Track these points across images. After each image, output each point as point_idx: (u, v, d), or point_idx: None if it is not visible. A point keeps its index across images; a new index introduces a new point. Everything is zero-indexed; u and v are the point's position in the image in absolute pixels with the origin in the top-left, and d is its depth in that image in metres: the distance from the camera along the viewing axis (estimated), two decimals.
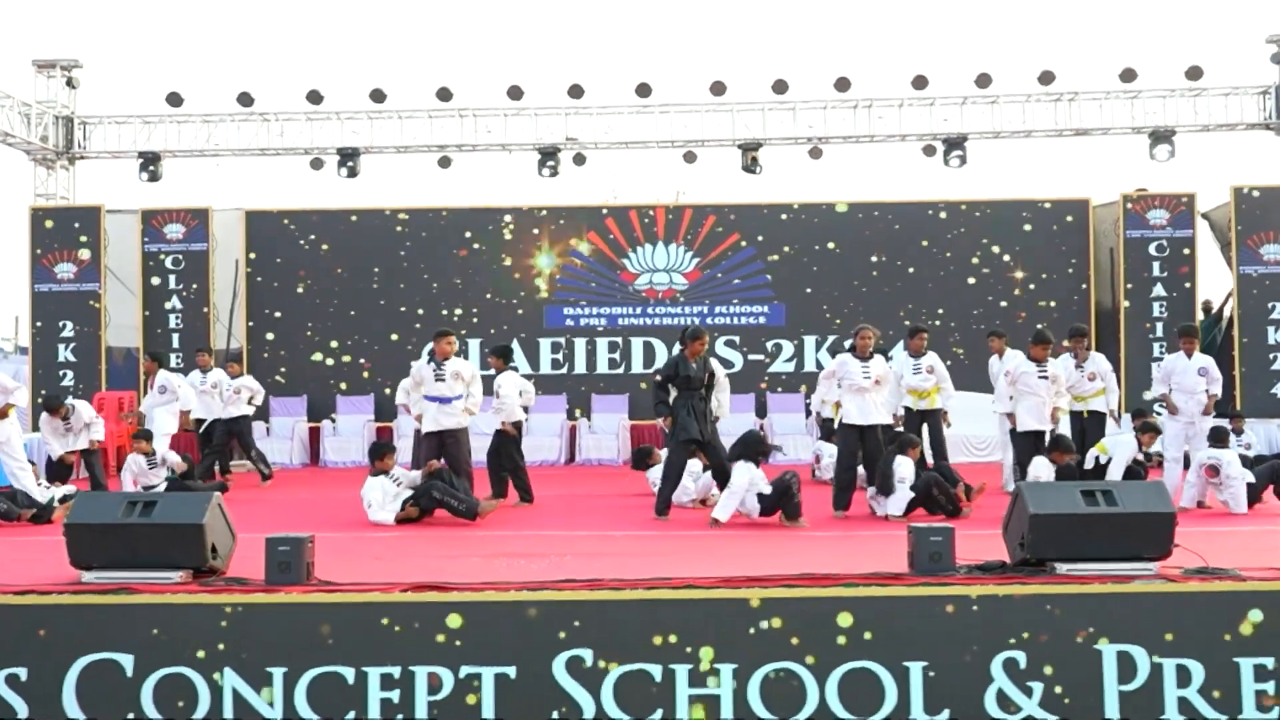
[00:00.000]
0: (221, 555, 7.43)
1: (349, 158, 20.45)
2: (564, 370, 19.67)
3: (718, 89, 20.03)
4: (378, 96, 20.26)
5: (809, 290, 19.62)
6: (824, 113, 20.23)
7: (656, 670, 6.43)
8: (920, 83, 19.73)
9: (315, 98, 20.31)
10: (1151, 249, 18.96)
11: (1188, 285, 18.91)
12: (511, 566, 8.26)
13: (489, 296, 19.72)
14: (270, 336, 19.78)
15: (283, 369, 19.73)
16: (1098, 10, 38.67)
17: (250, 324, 19.80)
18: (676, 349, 11.92)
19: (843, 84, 19.83)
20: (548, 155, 20.29)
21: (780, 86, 19.94)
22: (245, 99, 20.33)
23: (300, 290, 19.84)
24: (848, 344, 12.34)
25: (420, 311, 19.68)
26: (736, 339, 19.47)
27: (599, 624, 6.51)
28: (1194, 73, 19.30)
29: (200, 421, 15.67)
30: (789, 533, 10.37)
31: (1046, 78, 19.54)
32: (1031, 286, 19.35)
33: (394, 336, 19.73)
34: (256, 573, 7.14)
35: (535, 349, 19.62)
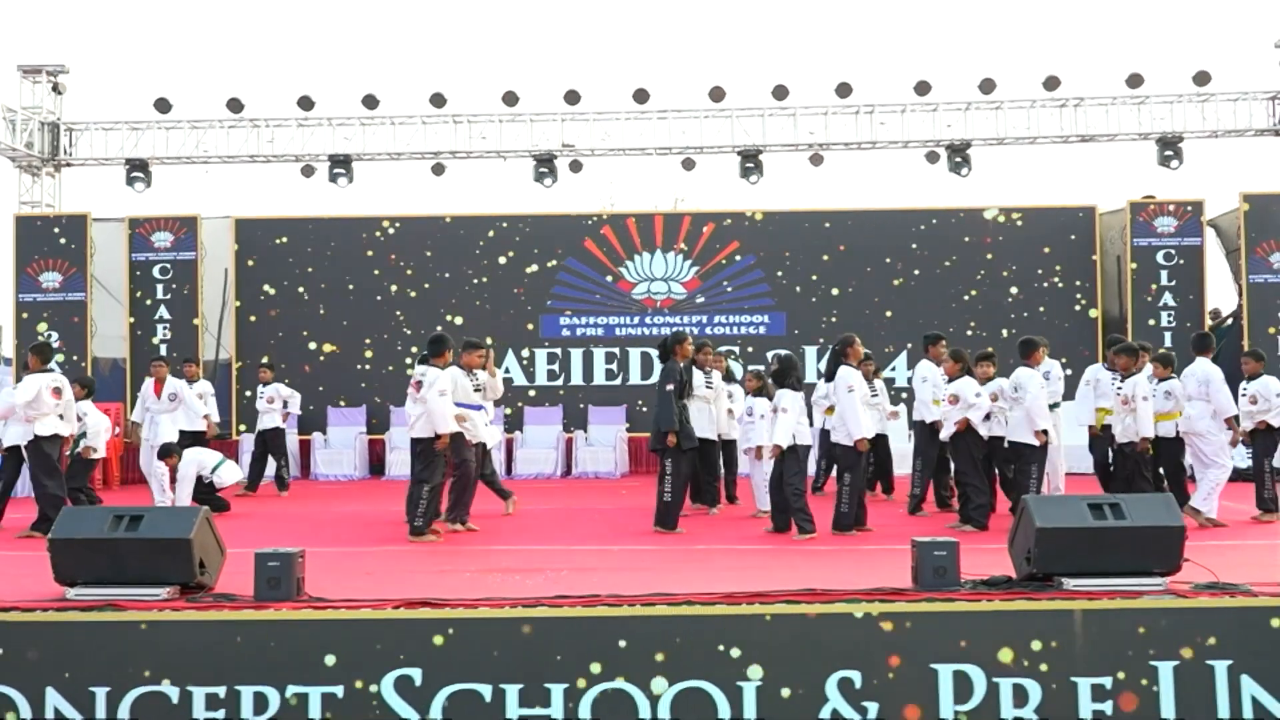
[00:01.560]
0: (210, 571, 7.24)
1: (341, 165, 20.12)
2: (560, 381, 19.33)
3: (717, 95, 19.75)
4: (370, 103, 19.95)
5: (810, 299, 19.33)
6: (825, 119, 19.95)
7: (657, 687, 6.20)
8: (923, 88, 19.50)
9: (306, 104, 20.01)
10: (1159, 257, 18.72)
11: (1193, 295, 18.64)
12: (506, 582, 8.08)
13: (483, 305, 19.39)
14: (260, 347, 19.43)
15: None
16: (1103, 15, 38.52)
17: (240, 334, 19.45)
18: (654, 356, 11.69)
19: (844, 89, 19.57)
20: (544, 162, 19.98)
21: (780, 92, 19.67)
22: (235, 105, 20.01)
23: (291, 300, 19.53)
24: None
25: (414, 321, 19.38)
26: (736, 349, 19.13)
27: (595, 641, 6.28)
28: (1201, 78, 19.07)
29: (185, 433, 15.18)
30: (791, 548, 10.11)
31: (1051, 83, 19.31)
32: (1037, 294, 19.08)
33: (385, 347, 19.40)
34: (246, 588, 6.94)
35: (531, 359, 19.28)
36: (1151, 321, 18.64)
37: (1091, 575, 6.79)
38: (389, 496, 15.47)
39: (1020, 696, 6.12)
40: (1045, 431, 11.44)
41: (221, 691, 6.20)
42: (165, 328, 19.30)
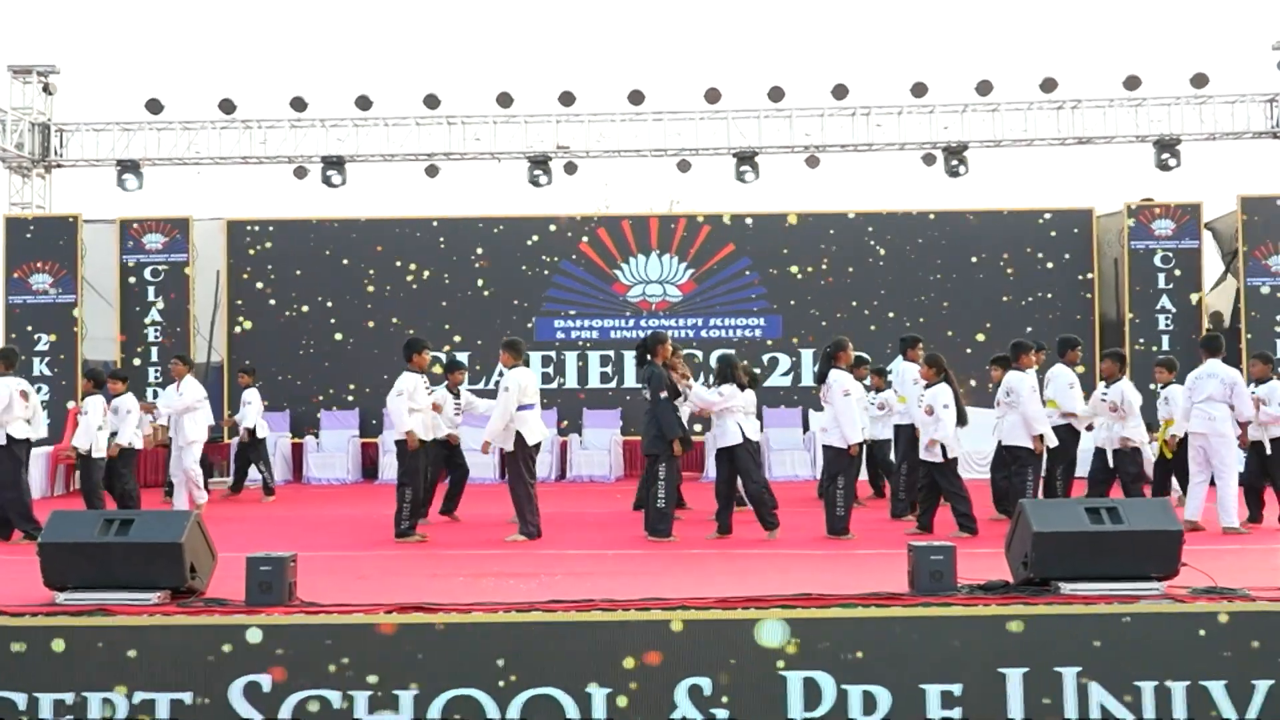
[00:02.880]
0: (201, 575, 7.20)
1: (334, 166, 19.98)
2: (554, 384, 19.21)
3: (712, 96, 19.65)
4: (363, 104, 19.83)
5: (806, 302, 19.24)
6: (821, 120, 19.85)
7: (649, 692, 6.14)
8: (920, 90, 19.41)
9: (299, 105, 19.88)
10: (1157, 260, 18.65)
11: (1192, 298, 18.57)
12: (500, 586, 8.05)
13: (477, 308, 19.28)
14: (252, 349, 19.29)
15: (265, 383, 19.22)
16: (1100, 16, 38.51)
17: (231, 336, 19.32)
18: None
19: (840, 91, 19.48)
20: (538, 164, 19.86)
21: (776, 94, 19.57)
22: (227, 106, 19.87)
23: (283, 302, 19.40)
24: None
25: (407, 324, 19.23)
26: (732, 352, 18.98)
27: (589, 646, 6.22)
28: (1199, 80, 19.01)
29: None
30: (787, 552, 10.07)
31: (1049, 85, 19.23)
32: (1034, 298, 19.02)
33: (379, 350, 19.27)
34: (237, 593, 6.89)
35: (525, 362, 19.10)
36: (1149, 325, 18.55)
37: (1089, 579, 6.77)
38: (382, 500, 15.34)
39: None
40: (1042, 437, 11.37)
41: (211, 696, 6.10)
42: (157, 330, 19.17)
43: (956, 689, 6.09)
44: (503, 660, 6.16)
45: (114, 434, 12.55)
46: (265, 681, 6.12)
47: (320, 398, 19.27)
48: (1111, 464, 11.69)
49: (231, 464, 17.22)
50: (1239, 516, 11.19)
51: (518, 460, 11.11)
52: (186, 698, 6.11)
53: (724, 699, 6.11)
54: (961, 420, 11.23)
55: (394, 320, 19.29)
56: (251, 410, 15.94)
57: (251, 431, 15.93)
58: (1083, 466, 12.39)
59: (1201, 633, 6.21)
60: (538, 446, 11.34)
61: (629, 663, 6.16)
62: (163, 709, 6.09)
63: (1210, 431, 11.19)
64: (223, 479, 16.68)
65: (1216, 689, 6.09)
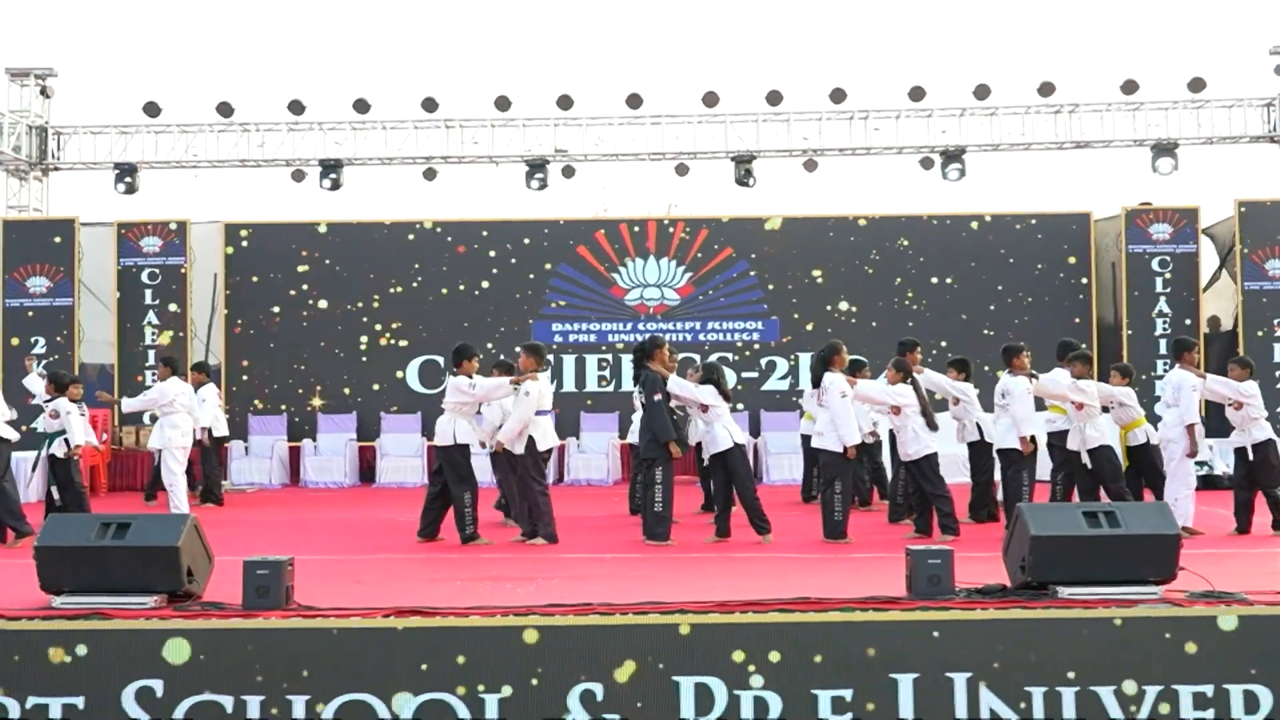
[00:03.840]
0: (198, 579, 7.18)
1: (331, 169, 19.96)
2: (552, 387, 19.10)
3: (710, 100, 19.65)
4: (361, 107, 19.81)
5: (804, 305, 19.23)
6: (819, 124, 19.84)
7: (648, 696, 6.12)
8: (917, 94, 19.41)
9: (297, 108, 19.86)
10: (1154, 264, 18.65)
11: (1190, 301, 18.58)
12: (498, 590, 8.03)
13: (475, 311, 19.26)
14: (249, 353, 19.28)
15: (262, 386, 19.24)
16: (1098, 21, 38.52)
17: (229, 340, 19.30)
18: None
19: (838, 95, 19.47)
20: (536, 167, 19.84)
21: (774, 97, 19.56)
22: (225, 109, 19.85)
23: (281, 305, 19.38)
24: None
25: (405, 327, 19.25)
26: (730, 356, 19.01)
27: (587, 650, 6.21)
28: (1196, 84, 19.01)
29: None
30: (784, 556, 10.06)
31: (1046, 89, 19.24)
32: (1031, 301, 19.02)
33: (377, 353, 19.28)
34: (234, 597, 6.88)
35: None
36: (1146, 329, 18.55)
37: (1086, 583, 6.77)
38: (379, 504, 15.39)
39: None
40: (1033, 439, 11.37)
41: (207, 700, 6.09)
42: (154, 333, 19.14)
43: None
44: (500, 663, 6.14)
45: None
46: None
47: (318, 401, 19.24)
48: (1089, 465, 11.62)
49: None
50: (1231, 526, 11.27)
51: (528, 465, 11.08)
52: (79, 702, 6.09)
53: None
54: (931, 425, 11.26)
55: (392, 324, 19.29)
56: (207, 409, 15.39)
57: (209, 431, 15.45)
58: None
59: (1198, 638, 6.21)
60: (548, 453, 11.31)
61: (630, 666, 6.15)
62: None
63: (1161, 436, 11.47)
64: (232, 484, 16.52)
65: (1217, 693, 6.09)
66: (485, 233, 19.51)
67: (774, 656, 6.14)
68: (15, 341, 18.75)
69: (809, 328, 19.12)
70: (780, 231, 19.40)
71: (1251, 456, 11.33)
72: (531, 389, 11.02)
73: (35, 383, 14.92)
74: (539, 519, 10.98)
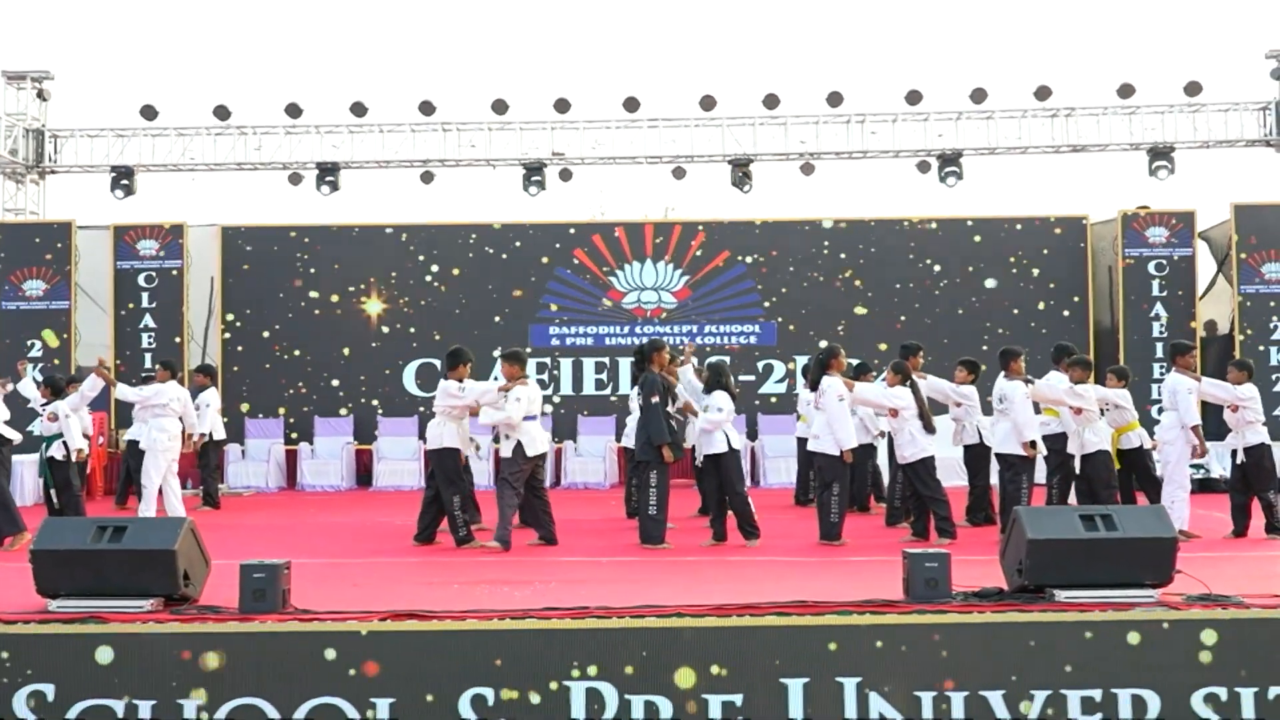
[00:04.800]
0: (194, 582, 7.16)
1: (328, 172, 19.97)
2: (549, 391, 19.17)
3: (707, 103, 19.67)
4: (358, 110, 19.81)
5: (801, 309, 19.24)
6: (816, 128, 19.87)
7: (643, 700, 6.14)
8: (914, 98, 19.43)
9: (294, 111, 19.86)
10: (1151, 267, 18.66)
11: (1187, 305, 18.60)
12: (494, 594, 8.00)
13: (472, 314, 19.25)
14: (246, 356, 19.26)
15: (259, 390, 19.23)
16: (1095, 25, 38.52)
17: (225, 343, 19.29)
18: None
19: (835, 99, 19.50)
20: (533, 170, 19.85)
21: (771, 101, 19.58)
22: (222, 112, 19.85)
23: (277, 308, 19.36)
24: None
25: (401, 330, 19.24)
26: (727, 359, 18.92)
27: (585, 652, 6.21)
28: (1193, 88, 19.05)
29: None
30: (780, 559, 10.06)
31: (1043, 93, 19.27)
32: (1028, 305, 19.03)
33: (374, 357, 19.26)
34: (231, 600, 6.86)
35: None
36: (1143, 332, 18.56)
37: (1083, 587, 6.77)
38: (376, 507, 15.36)
39: None
40: (1034, 443, 11.36)
41: (205, 703, 6.09)
42: (150, 337, 19.12)
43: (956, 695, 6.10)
44: (497, 665, 6.14)
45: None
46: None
47: (314, 405, 19.22)
48: (1079, 470, 11.62)
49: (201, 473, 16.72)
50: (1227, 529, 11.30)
51: (507, 468, 11.06)
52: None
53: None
54: (929, 429, 11.26)
55: (386, 326, 19.28)
56: (210, 414, 15.35)
57: (210, 435, 15.41)
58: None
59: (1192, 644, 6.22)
60: (541, 458, 11.28)
61: (627, 669, 6.15)
62: None
63: (1158, 439, 11.53)
64: (196, 490, 16.37)
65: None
66: (482, 236, 19.51)
67: (769, 659, 6.14)
68: (11, 343, 18.69)
69: (806, 332, 19.10)
70: (777, 235, 19.39)
71: (1244, 459, 11.35)
72: (521, 394, 11.01)
73: (29, 387, 14.85)
74: (500, 520, 10.85)
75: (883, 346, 18.43)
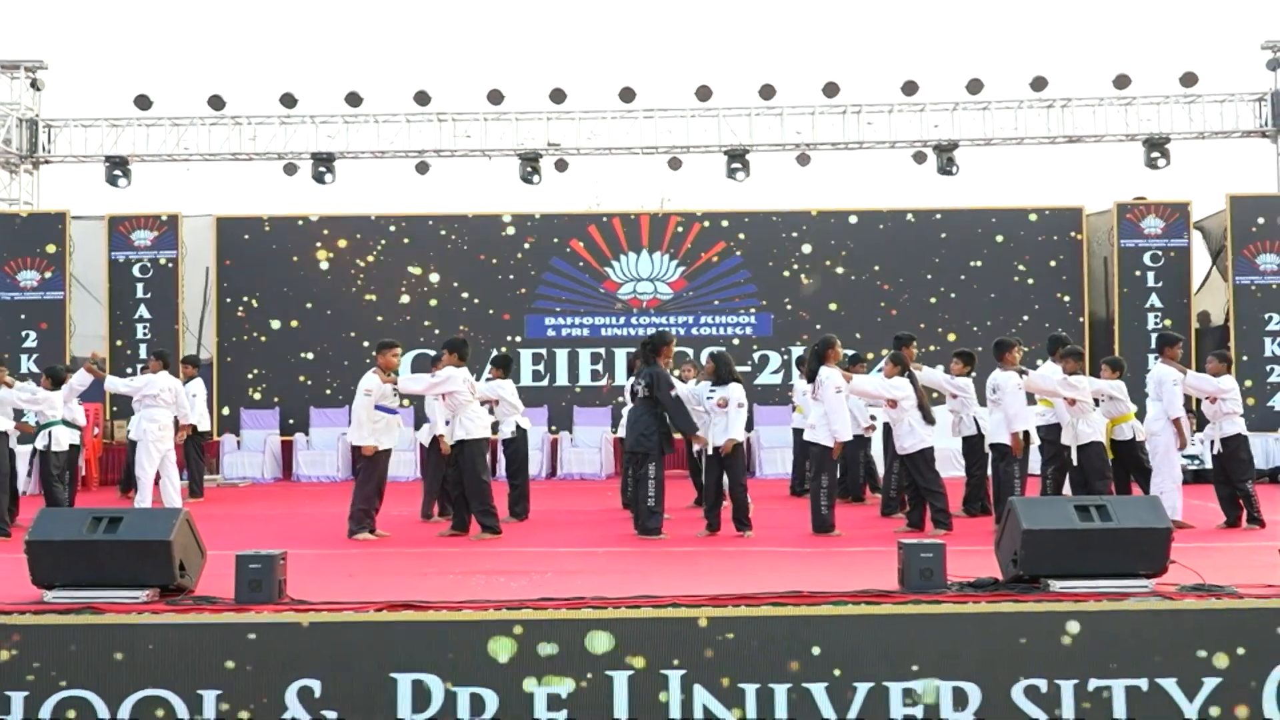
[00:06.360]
0: (190, 573, 7.14)
1: (324, 163, 19.93)
2: (545, 382, 19.18)
3: (704, 94, 19.64)
4: (354, 100, 19.77)
5: (796, 300, 19.24)
6: (812, 118, 19.85)
7: (639, 690, 6.14)
8: (910, 88, 19.43)
9: (289, 101, 19.81)
10: (1146, 258, 18.68)
11: (1180, 297, 18.62)
12: (490, 584, 8.01)
13: (468, 305, 19.24)
14: (241, 346, 19.25)
15: (255, 380, 19.21)
16: (1091, 16, 38.53)
17: (221, 334, 19.26)
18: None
19: (831, 89, 19.48)
20: (529, 161, 19.82)
21: (767, 91, 19.56)
22: (216, 102, 19.81)
23: (273, 299, 19.33)
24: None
25: (396, 321, 19.21)
26: (722, 350, 18.94)
27: (579, 644, 6.20)
28: (1189, 79, 19.04)
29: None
30: (776, 550, 10.05)
31: (1039, 84, 19.26)
32: (1023, 296, 19.04)
33: (369, 348, 19.21)
34: (226, 591, 6.83)
35: (516, 360, 19.11)
36: (1138, 323, 18.59)
37: (1078, 577, 6.78)
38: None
39: None
40: (1027, 435, 11.37)
41: (201, 694, 6.09)
42: (145, 327, 19.09)
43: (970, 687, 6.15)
44: (492, 653, 6.15)
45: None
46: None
47: (310, 396, 19.20)
48: (1075, 461, 11.64)
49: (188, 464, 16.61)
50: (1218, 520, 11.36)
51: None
52: None
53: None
54: (928, 419, 11.26)
55: (382, 317, 19.25)
56: (198, 404, 15.30)
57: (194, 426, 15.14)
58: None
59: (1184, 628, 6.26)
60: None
61: (628, 658, 6.15)
62: None
63: (1146, 430, 11.58)
64: (213, 476, 16.47)
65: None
66: (478, 227, 19.49)
67: (767, 650, 6.15)
68: (5, 334, 18.67)
69: (801, 322, 19.11)
70: (773, 225, 19.38)
71: (1220, 450, 11.43)
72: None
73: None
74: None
75: (875, 335, 18.41)
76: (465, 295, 19.32)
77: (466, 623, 6.26)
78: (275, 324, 19.34)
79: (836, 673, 6.13)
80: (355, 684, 6.11)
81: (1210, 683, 6.13)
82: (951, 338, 18.64)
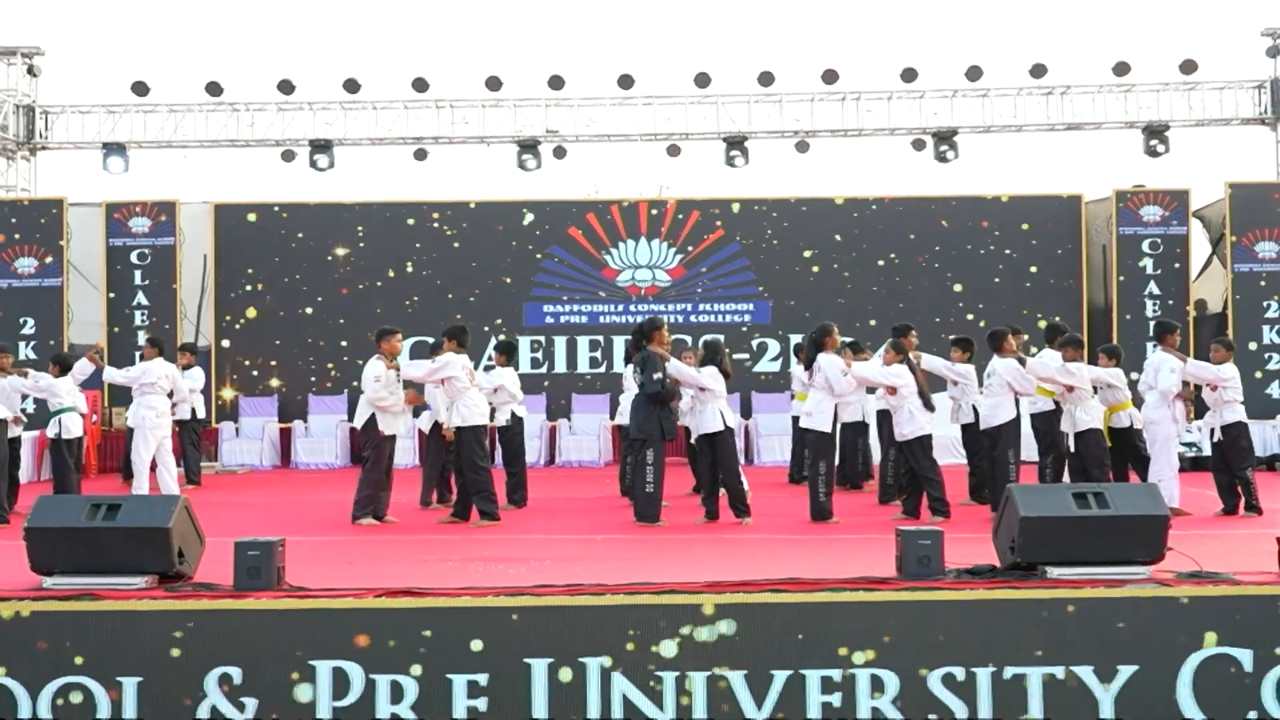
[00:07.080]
0: (189, 560, 7.12)
1: (321, 149, 19.88)
2: (544, 369, 19.18)
3: (702, 81, 19.59)
4: (352, 86, 19.72)
5: (795, 287, 19.23)
6: (811, 105, 19.82)
7: (635, 675, 6.17)
8: (909, 75, 19.39)
9: (287, 87, 19.76)
10: (1145, 246, 18.67)
11: (1178, 285, 18.62)
12: (489, 571, 8.01)
13: (466, 293, 19.23)
14: (240, 334, 19.23)
15: (253, 368, 19.20)
16: (1091, 3, 38.49)
17: (219, 321, 19.24)
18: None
19: (830, 76, 19.44)
20: (527, 148, 19.79)
21: (766, 78, 19.51)
22: (214, 88, 19.75)
23: (271, 286, 19.31)
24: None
25: (395, 308, 19.18)
26: (721, 337, 18.92)
27: (578, 630, 6.24)
28: (1188, 66, 19.02)
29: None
30: (773, 537, 10.06)
31: (1038, 71, 19.24)
32: (1022, 283, 19.03)
33: (368, 334, 19.18)
34: (225, 578, 6.83)
35: (514, 347, 19.07)
36: (1137, 311, 18.58)
37: (1075, 564, 6.78)
38: None
39: None
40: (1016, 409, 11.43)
41: (200, 681, 6.11)
42: (143, 314, 19.06)
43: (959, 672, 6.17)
44: (491, 643, 6.17)
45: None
46: None
47: (308, 383, 19.19)
48: (1073, 448, 11.64)
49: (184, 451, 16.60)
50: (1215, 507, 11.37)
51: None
52: None
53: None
54: (928, 406, 11.27)
55: (380, 305, 19.22)
56: (197, 390, 15.45)
57: (193, 412, 15.42)
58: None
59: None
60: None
61: (628, 646, 6.17)
62: None
63: (1144, 418, 11.55)
64: (211, 464, 16.47)
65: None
66: (476, 214, 19.47)
67: (764, 636, 6.16)
68: (2, 321, 18.63)
69: (799, 310, 19.08)
70: (772, 213, 19.36)
71: (1220, 438, 11.42)
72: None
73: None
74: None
75: (874, 323, 18.40)
76: (463, 282, 19.29)
77: (464, 609, 6.26)
78: (273, 311, 19.31)
79: (835, 658, 6.14)
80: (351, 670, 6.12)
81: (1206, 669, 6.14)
82: (951, 324, 18.61)
